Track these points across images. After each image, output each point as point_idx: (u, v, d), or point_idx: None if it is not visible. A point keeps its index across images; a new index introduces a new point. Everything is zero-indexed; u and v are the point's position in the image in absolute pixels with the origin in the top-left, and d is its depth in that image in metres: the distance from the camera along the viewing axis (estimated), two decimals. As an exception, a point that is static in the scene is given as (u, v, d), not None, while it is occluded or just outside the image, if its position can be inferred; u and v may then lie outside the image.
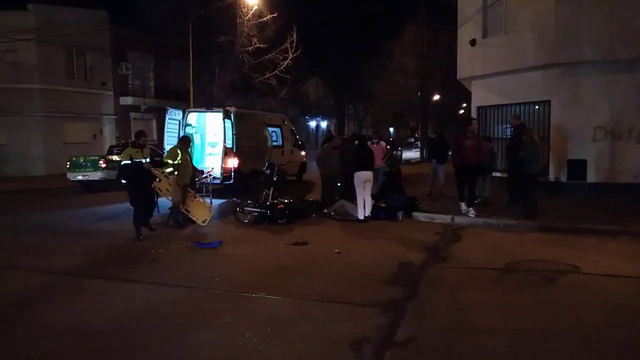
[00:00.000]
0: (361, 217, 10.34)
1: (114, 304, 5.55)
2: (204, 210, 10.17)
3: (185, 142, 10.53)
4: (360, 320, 4.92)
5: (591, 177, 12.67)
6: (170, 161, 9.81)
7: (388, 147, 16.78)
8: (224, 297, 5.83)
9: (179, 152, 9.90)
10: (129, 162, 8.89)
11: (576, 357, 4.26)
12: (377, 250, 7.95)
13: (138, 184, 9.04)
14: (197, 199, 10.26)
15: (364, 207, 10.35)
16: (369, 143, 13.48)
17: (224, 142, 14.03)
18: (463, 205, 10.36)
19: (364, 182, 10.33)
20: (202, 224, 9.98)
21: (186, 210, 10.11)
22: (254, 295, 5.77)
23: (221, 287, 6.10)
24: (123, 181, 9.93)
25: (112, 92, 27.54)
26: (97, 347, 4.42)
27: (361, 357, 4.17)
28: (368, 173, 10.44)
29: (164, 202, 10.47)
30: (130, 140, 9.96)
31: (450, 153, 11.83)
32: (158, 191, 10.24)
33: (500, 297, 5.71)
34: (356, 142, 14.14)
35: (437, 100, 38.54)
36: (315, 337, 4.57)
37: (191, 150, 11.76)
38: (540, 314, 5.14)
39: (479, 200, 11.40)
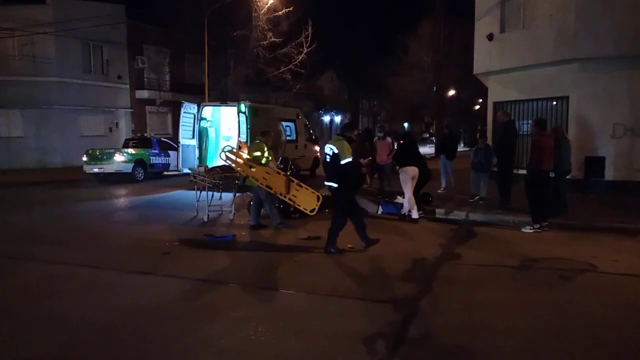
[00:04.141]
0: (415, 215, 9.76)
1: (128, 296, 5.59)
2: (311, 198, 8.80)
3: (267, 135, 9.67)
4: (373, 316, 4.90)
5: (609, 174, 12.49)
6: (258, 153, 9.21)
7: (402, 142, 16.62)
8: (236, 290, 5.84)
9: (265, 147, 9.36)
10: (351, 160, 7.34)
11: (592, 356, 4.19)
12: (390, 246, 7.88)
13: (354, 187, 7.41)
14: (302, 187, 8.93)
15: (416, 206, 9.81)
16: (375, 139, 13.35)
17: (239, 136, 14.08)
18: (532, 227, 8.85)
19: (411, 178, 9.83)
20: (310, 213, 8.80)
21: (290, 200, 8.94)
22: (266, 289, 5.78)
23: (234, 281, 6.11)
24: (333, 185, 7.41)
25: (128, 86, 27.78)
26: (111, 338, 4.46)
27: (374, 353, 4.14)
28: (416, 169, 9.88)
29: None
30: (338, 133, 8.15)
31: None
32: (253, 180, 9.08)
33: (515, 295, 5.64)
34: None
35: (452, 96, 38.18)
36: (327, 332, 4.56)
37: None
38: (555, 312, 5.07)
39: (477, 198, 11.33)
